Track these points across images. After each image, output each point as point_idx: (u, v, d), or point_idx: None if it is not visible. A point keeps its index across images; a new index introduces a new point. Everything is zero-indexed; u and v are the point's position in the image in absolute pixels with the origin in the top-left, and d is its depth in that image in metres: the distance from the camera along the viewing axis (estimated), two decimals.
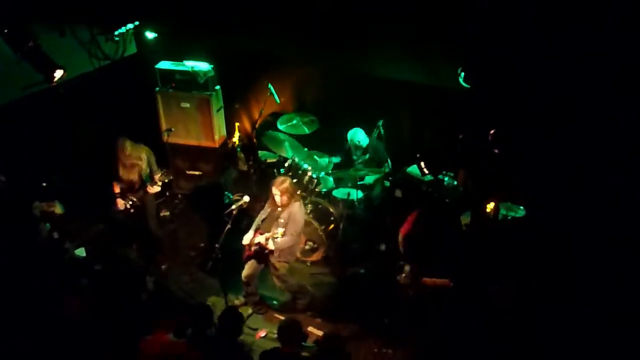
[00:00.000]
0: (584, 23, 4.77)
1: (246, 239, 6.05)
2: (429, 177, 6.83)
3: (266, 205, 6.13)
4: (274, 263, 5.98)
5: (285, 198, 5.76)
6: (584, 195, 5.41)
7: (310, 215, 6.97)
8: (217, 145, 8.30)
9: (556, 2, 4.87)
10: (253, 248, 5.99)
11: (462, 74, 5.57)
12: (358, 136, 7.34)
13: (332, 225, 7.22)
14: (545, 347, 5.31)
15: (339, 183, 7.64)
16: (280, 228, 5.73)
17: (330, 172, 7.55)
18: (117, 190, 6.62)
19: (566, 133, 5.28)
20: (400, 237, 5.83)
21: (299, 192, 6.52)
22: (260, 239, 5.89)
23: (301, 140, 7.74)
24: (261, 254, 5.96)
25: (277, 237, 5.69)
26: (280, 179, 5.83)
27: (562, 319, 5.38)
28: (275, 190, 5.81)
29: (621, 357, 5.05)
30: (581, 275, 5.45)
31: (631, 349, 5.01)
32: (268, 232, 5.91)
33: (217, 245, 5.70)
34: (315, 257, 7.16)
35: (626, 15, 4.62)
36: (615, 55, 4.72)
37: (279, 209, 5.93)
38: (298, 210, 5.89)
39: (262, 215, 6.13)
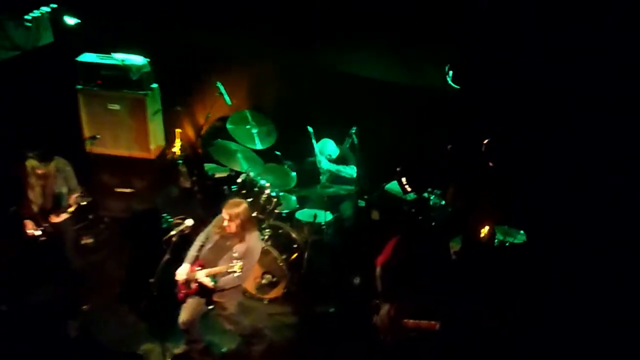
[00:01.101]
0: (584, 23, 5.29)
1: (181, 273, 5.74)
2: (411, 196, 6.78)
3: (212, 230, 5.89)
4: (222, 302, 5.74)
5: (233, 225, 5.60)
6: (588, 198, 5.82)
7: (269, 243, 6.76)
8: (153, 157, 8.33)
9: (556, 2, 5.37)
10: (194, 285, 5.71)
11: (450, 72, 5.84)
12: (328, 148, 7.22)
13: (295, 254, 7.03)
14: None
15: (303, 203, 7.51)
16: (238, 261, 5.52)
17: (292, 189, 7.50)
18: (27, 211, 6.32)
19: (567, 134, 5.69)
20: (377, 269, 5.76)
21: (255, 215, 6.38)
22: (202, 275, 5.59)
23: (257, 151, 7.61)
24: (206, 292, 5.72)
25: (235, 273, 5.44)
26: (235, 200, 5.72)
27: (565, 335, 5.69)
28: (224, 213, 5.62)
29: None
30: (588, 287, 5.79)
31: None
32: (213, 265, 5.67)
33: (152, 280, 5.52)
34: (274, 293, 6.92)
35: (626, 15, 5.16)
36: (616, 55, 5.23)
37: (233, 238, 5.75)
38: (257, 244, 5.76)
39: (202, 239, 5.91)
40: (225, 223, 5.66)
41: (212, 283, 5.57)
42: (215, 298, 5.76)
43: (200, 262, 5.80)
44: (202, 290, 5.73)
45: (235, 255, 5.65)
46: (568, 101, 5.58)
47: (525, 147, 6.07)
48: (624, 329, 5.51)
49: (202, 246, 5.87)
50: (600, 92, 5.44)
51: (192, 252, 5.89)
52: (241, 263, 5.43)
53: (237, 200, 5.78)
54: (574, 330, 5.69)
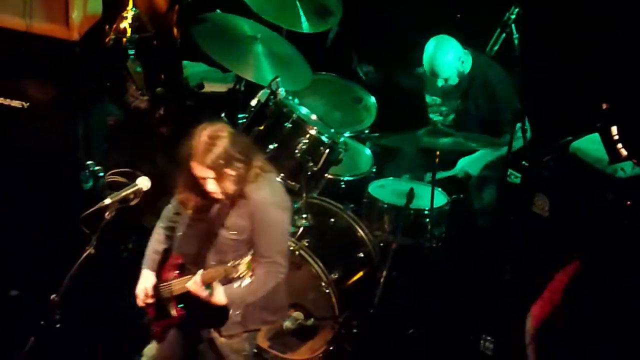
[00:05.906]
0: None
1: (143, 290, 5.42)
2: (628, 169, 6.02)
3: (177, 198, 5.55)
4: (226, 341, 5.35)
5: (229, 183, 5.12)
6: None
7: (305, 243, 6.29)
8: (75, 38, 7.25)
9: None
10: (175, 310, 5.46)
11: None
12: (444, 57, 6.83)
13: (359, 273, 6.56)
14: None
15: (386, 164, 7.10)
16: (244, 255, 4.97)
17: (366, 135, 7.10)
18: None
19: None
20: (528, 325, 5.55)
21: (260, 164, 5.63)
22: (191, 284, 5.28)
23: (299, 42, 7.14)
24: (196, 319, 5.49)
25: (241, 274, 4.98)
26: (210, 126, 5.25)
27: None
28: (197, 155, 5.11)
29: None
30: None
31: None
32: (199, 263, 5.34)
33: (54, 297, 5.05)
34: (308, 351, 6.41)
35: None
36: None
37: (220, 207, 5.36)
38: (271, 197, 5.33)
39: (162, 227, 5.64)
40: (211, 184, 5.11)
41: (220, 294, 5.24)
42: (214, 333, 5.47)
43: (176, 260, 5.47)
44: (190, 318, 5.48)
45: (232, 234, 5.29)
46: None
47: None
48: None
49: (168, 237, 5.55)
50: None
51: (152, 249, 5.58)
52: (249, 256, 4.98)
53: (213, 125, 5.27)
54: None
